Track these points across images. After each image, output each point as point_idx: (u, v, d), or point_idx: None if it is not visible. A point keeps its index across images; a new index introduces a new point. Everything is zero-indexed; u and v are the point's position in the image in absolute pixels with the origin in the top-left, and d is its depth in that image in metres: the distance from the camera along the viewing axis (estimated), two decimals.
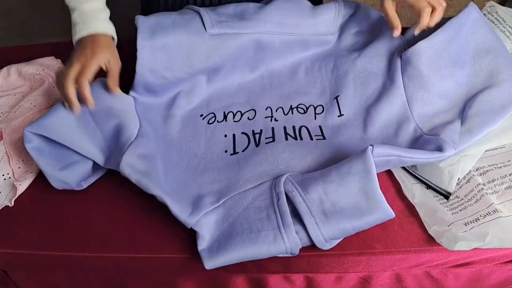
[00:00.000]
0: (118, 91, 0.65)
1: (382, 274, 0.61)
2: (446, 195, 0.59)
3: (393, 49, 0.72)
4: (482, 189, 0.59)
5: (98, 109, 0.64)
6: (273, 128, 0.68)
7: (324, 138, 0.67)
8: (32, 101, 0.73)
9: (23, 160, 0.67)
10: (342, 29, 0.80)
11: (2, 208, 0.64)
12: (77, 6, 0.66)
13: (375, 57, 0.72)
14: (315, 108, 0.71)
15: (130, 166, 0.59)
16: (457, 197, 0.60)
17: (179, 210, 0.57)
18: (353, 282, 0.62)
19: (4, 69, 0.79)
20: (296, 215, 0.56)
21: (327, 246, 0.55)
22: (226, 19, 0.72)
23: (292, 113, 0.71)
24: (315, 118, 0.70)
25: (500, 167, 0.61)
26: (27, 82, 0.78)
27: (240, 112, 0.72)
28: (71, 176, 0.63)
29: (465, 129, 0.62)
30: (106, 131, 0.64)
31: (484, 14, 0.79)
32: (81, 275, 0.65)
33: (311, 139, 0.66)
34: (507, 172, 0.60)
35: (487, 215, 0.56)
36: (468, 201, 0.59)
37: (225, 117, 0.71)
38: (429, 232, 0.57)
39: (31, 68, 0.78)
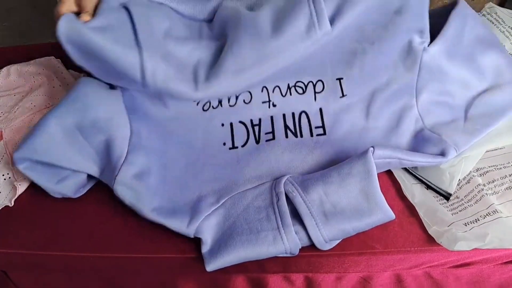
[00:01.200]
0: (87, 17, 0.59)
1: (382, 274, 0.61)
2: (447, 196, 0.60)
3: (408, 39, 0.65)
4: (482, 189, 0.59)
5: (84, 123, 0.62)
6: (272, 118, 0.66)
7: (324, 133, 0.65)
8: (32, 101, 0.73)
9: None
10: (334, 21, 0.62)
11: (2, 208, 0.64)
12: None
13: (389, 49, 0.65)
14: (314, 86, 0.67)
15: (124, 189, 0.59)
16: (457, 197, 0.60)
17: (176, 224, 0.57)
18: (353, 282, 0.62)
19: (4, 69, 0.79)
20: (296, 215, 0.56)
21: (326, 247, 0.56)
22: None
23: (291, 93, 0.67)
24: (315, 100, 0.66)
25: (500, 168, 0.61)
26: (27, 82, 0.78)
27: (235, 95, 0.66)
28: (68, 187, 0.63)
29: (467, 130, 0.61)
30: (96, 145, 0.62)
31: (484, 15, 0.79)
32: (81, 276, 0.65)
33: (311, 135, 0.65)
34: (507, 173, 0.60)
35: (487, 216, 0.56)
36: (468, 202, 0.59)
37: (220, 102, 0.66)
38: (429, 232, 0.57)
39: (31, 68, 0.78)
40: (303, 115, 0.66)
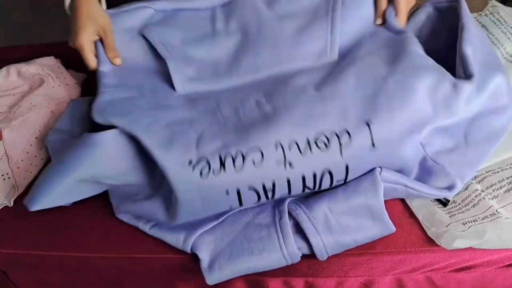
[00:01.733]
0: (118, 61, 0.65)
1: (383, 279, 0.60)
2: (445, 203, 0.60)
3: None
4: (480, 194, 0.59)
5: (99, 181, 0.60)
6: (289, 181, 0.55)
7: (344, 182, 0.57)
8: (32, 101, 0.73)
9: (22, 160, 0.67)
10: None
11: (2, 208, 0.64)
12: None
13: (410, 72, 0.58)
14: (339, 138, 0.54)
15: (125, 216, 0.60)
16: (454, 202, 0.60)
17: (173, 239, 0.57)
18: None
19: (4, 69, 0.78)
20: (298, 230, 0.56)
21: (326, 258, 0.56)
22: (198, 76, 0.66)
23: (311, 150, 0.54)
24: (341, 155, 0.54)
25: (498, 171, 0.61)
26: (27, 82, 0.78)
27: (242, 153, 0.54)
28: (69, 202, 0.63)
29: (470, 160, 0.60)
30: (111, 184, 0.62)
31: (486, 15, 0.79)
32: (81, 276, 0.65)
33: (331, 184, 0.57)
34: (505, 175, 0.60)
35: (485, 218, 0.56)
36: (465, 206, 0.59)
37: (222, 164, 0.54)
38: (428, 234, 0.57)
39: (31, 68, 0.77)
40: (326, 174, 0.55)
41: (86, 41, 0.63)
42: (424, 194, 0.58)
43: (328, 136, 0.54)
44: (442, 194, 0.58)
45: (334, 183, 0.56)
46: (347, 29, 0.67)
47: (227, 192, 0.54)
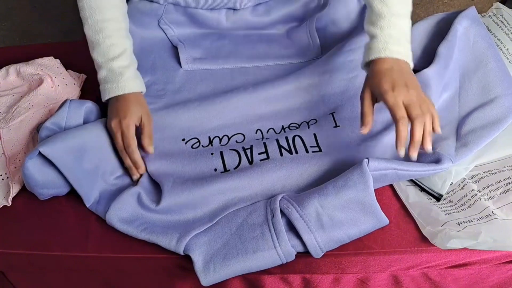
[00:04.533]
0: (151, 150, 0.65)
1: (379, 276, 0.61)
2: (438, 198, 0.60)
3: None
4: (476, 194, 0.59)
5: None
6: (265, 144, 0.66)
7: (320, 150, 0.65)
8: (30, 101, 0.73)
9: (19, 160, 0.67)
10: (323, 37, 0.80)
11: (0, 208, 0.64)
12: (104, 64, 0.65)
13: None
14: (308, 123, 0.69)
15: (115, 218, 0.60)
16: (450, 201, 0.60)
17: (165, 241, 0.57)
18: (351, 284, 0.62)
19: (3, 69, 0.79)
20: (291, 228, 0.56)
21: (321, 255, 0.56)
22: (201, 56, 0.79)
23: (284, 131, 0.69)
24: (309, 128, 0.68)
25: (495, 172, 0.62)
26: (26, 82, 0.78)
27: (227, 136, 0.69)
28: (46, 196, 0.63)
29: (462, 144, 0.62)
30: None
31: (489, 16, 0.79)
32: (79, 276, 0.65)
33: (307, 151, 0.64)
34: (502, 177, 0.61)
35: (481, 219, 0.56)
36: (461, 206, 0.59)
37: (210, 142, 0.69)
38: (423, 233, 0.57)
39: (30, 68, 0.78)
40: (297, 138, 0.66)
41: (132, 124, 0.64)
42: (414, 172, 0.59)
43: (298, 123, 0.69)
44: (431, 168, 0.58)
45: (309, 150, 0.64)
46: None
47: (212, 154, 0.65)
